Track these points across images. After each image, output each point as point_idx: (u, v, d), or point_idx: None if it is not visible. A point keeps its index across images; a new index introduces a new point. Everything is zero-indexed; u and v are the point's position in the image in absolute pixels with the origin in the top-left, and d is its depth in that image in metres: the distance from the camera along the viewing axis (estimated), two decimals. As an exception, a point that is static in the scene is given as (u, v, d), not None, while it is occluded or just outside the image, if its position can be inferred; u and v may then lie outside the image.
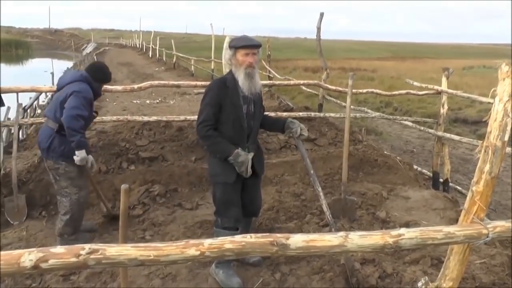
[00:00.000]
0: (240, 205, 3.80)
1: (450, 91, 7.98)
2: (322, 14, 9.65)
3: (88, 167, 4.32)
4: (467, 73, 35.33)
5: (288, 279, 3.76)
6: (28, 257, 1.72)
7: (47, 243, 4.50)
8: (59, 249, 1.78)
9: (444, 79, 7.89)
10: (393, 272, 3.79)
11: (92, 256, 1.78)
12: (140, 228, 4.91)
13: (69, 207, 4.34)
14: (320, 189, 3.96)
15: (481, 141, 2.37)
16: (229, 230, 3.65)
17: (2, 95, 5.63)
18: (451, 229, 2.26)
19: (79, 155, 4.12)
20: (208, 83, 8.39)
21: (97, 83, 4.46)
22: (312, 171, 3.96)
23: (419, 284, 2.81)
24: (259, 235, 1.98)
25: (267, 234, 2.00)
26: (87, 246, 1.80)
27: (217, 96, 3.57)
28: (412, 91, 8.57)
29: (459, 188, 8.75)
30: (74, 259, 1.76)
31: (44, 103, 14.96)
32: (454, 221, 5.05)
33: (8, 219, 5.05)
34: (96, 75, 4.43)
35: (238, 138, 3.64)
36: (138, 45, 48.77)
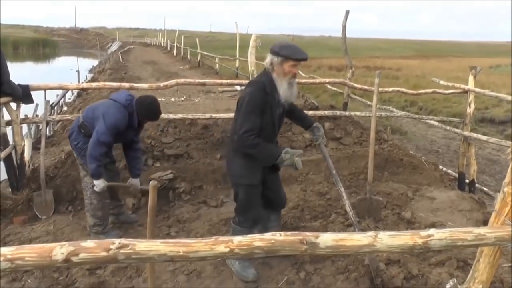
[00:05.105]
0: (261, 205, 3.88)
1: (477, 90, 7.81)
2: (347, 12, 9.58)
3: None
4: (494, 71, 34.69)
5: (313, 278, 3.75)
6: (59, 250, 1.75)
7: (74, 237, 4.58)
8: (90, 243, 1.80)
9: (471, 78, 7.73)
10: (418, 273, 3.75)
11: (122, 251, 1.79)
12: (166, 224, 4.96)
13: (88, 195, 4.49)
14: (342, 189, 3.95)
15: (510, 142, 2.32)
16: (246, 228, 3.72)
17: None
18: (482, 230, 2.21)
19: (97, 186, 4.29)
20: (233, 81, 8.42)
21: (140, 116, 4.38)
22: (334, 171, 3.96)
23: (448, 286, 2.77)
24: (288, 233, 1.96)
25: (297, 232, 1.98)
26: (117, 241, 1.81)
27: (260, 104, 3.51)
28: (438, 90, 8.42)
29: (485, 189, 8.59)
30: (104, 254, 1.78)
31: (70, 100, 15.21)
32: (481, 223, 4.97)
33: (37, 213, 5.15)
34: (140, 109, 4.32)
35: (269, 139, 3.67)
36: (162, 44, 48.90)
